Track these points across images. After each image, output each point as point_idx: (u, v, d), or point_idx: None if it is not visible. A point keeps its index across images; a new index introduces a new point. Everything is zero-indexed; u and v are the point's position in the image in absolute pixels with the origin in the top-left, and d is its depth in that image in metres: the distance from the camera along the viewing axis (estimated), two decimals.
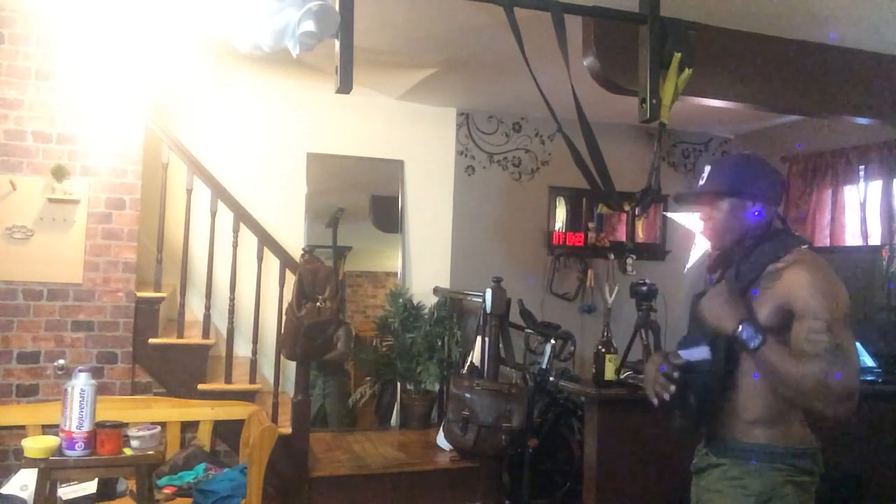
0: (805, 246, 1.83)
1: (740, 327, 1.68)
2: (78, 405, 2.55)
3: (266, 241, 3.75)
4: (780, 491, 1.70)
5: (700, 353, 1.81)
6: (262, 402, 3.77)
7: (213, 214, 3.76)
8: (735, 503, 1.73)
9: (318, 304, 3.23)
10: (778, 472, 1.71)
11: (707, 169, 1.94)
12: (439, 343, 4.37)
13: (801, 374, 1.62)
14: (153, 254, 3.79)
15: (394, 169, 4.77)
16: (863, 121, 3.50)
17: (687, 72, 2.38)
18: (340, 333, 3.25)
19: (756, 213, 1.84)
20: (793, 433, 1.75)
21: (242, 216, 3.76)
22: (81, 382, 2.57)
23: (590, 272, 5.08)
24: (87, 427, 2.57)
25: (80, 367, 2.66)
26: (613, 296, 4.75)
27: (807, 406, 1.69)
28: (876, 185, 4.38)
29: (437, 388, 4.42)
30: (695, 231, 4.84)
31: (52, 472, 2.57)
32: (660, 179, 2.43)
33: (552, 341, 3.90)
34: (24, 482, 3.00)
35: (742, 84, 3.07)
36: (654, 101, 2.35)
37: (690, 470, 1.93)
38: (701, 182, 1.92)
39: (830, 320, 1.64)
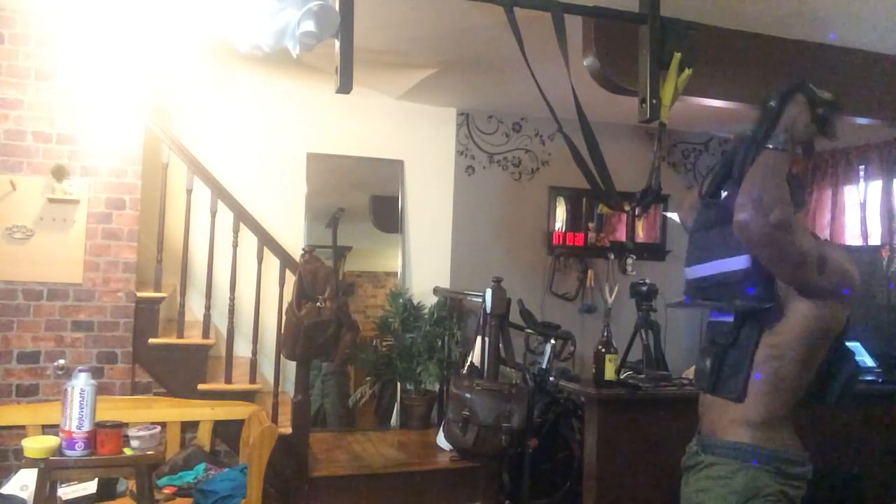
0: None
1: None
2: (78, 405, 2.55)
3: (266, 241, 3.75)
4: (764, 491, 1.70)
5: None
6: (262, 402, 3.77)
7: (213, 214, 3.76)
8: (719, 501, 1.73)
9: (318, 304, 3.23)
10: (764, 473, 1.71)
11: None
12: (439, 343, 4.37)
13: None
14: (153, 254, 3.79)
15: (394, 169, 4.77)
16: (863, 121, 3.49)
17: (687, 72, 2.38)
18: (347, 339, 3.26)
19: None
20: (780, 438, 1.75)
21: (242, 216, 3.76)
22: (81, 382, 2.57)
23: (590, 272, 5.07)
24: (87, 427, 2.57)
25: (80, 367, 2.66)
26: (613, 296, 4.76)
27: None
28: (876, 185, 4.39)
29: (437, 388, 4.41)
30: None
31: (52, 472, 2.57)
32: (660, 179, 2.43)
33: (552, 341, 3.91)
34: (24, 482, 3.00)
35: (742, 84, 3.07)
36: (654, 101, 2.35)
37: (681, 469, 1.93)
38: None
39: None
